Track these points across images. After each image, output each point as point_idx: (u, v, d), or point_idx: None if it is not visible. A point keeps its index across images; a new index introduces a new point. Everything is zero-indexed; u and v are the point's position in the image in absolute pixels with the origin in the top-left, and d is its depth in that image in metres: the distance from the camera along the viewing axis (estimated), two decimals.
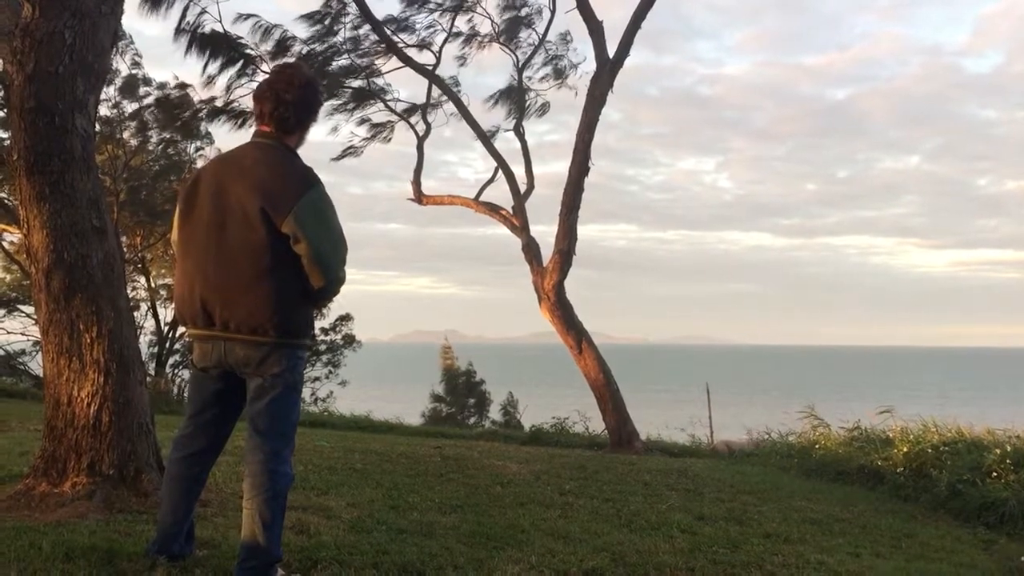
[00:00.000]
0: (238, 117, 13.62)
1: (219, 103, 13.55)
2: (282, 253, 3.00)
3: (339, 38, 13.47)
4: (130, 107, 17.30)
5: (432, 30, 13.89)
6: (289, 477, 3.14)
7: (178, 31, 12.12)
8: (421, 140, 14.63)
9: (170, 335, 20.09)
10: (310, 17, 13.14)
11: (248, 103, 13.53)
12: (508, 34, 14.10)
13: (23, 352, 18.43)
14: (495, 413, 21.36)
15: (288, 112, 3.12)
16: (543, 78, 14.50)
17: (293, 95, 3.12)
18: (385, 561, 3.60)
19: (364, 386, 28.08)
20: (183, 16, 12.08)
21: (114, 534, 3.61)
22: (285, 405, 3.12)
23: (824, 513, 6.04)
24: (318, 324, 22.57)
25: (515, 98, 14.24)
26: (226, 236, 3.03)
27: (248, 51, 12.73)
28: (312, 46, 13.24)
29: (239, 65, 12.79)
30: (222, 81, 12.95)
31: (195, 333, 3.17)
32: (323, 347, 22.41)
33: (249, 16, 12.54)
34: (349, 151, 15.24)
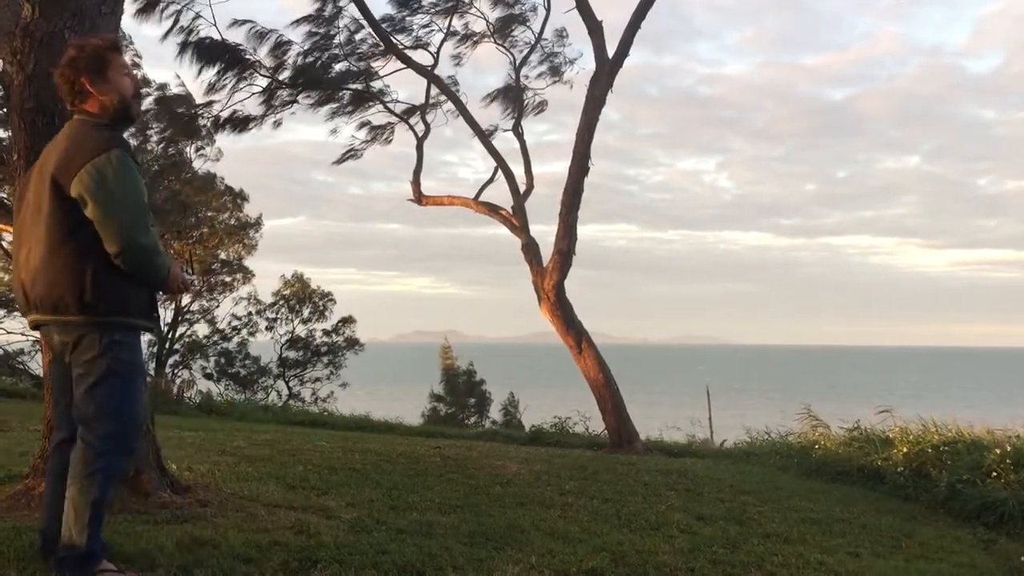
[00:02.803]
0: (240, 124, 13.60)
1: (217, 107, 13.51)
2: (79, 224, 2.92)
3: (336, 41, 13.46)
4: None
5: (429, 30, 13.91)
6: (119, 468, 3.07)
7: (167, 35, 12.12)
8: (420, 141, 14.64)
9: (170, 335, 20.10)
10: (307, 20, 13.14)
11: (247, 108, 13.54)
12: (502, 32, 14.11)
13: (22, 352, 18.43)
14: (495, 413, 21.33)
15: (68, 84, 3.11)
16: (540, 75, 14.57)
17: (65, 68, 3.12)
18: (385, 561, 3.60)
19: (364, 386, 28.10)
20: (175, 22, 12.07)
21: (113, 534, 3.60)
22: (108, 391, 2.95)
23: (824, 513, 6.04)
24: (319, 325, 22.57)
25: (513, 97, 14.24)
26: (39, 216, 3.00)
27: (246, 56, 12.71)
28: (308, 47, 13.23)
29: (236, 69, 12.77)
30: (220, 85, 12.93)
31: (28, 321, 3.11)
32: (324, 349, 22.43)
33: (245, 22, 12.54)
34: (349, 154, 15.25)
